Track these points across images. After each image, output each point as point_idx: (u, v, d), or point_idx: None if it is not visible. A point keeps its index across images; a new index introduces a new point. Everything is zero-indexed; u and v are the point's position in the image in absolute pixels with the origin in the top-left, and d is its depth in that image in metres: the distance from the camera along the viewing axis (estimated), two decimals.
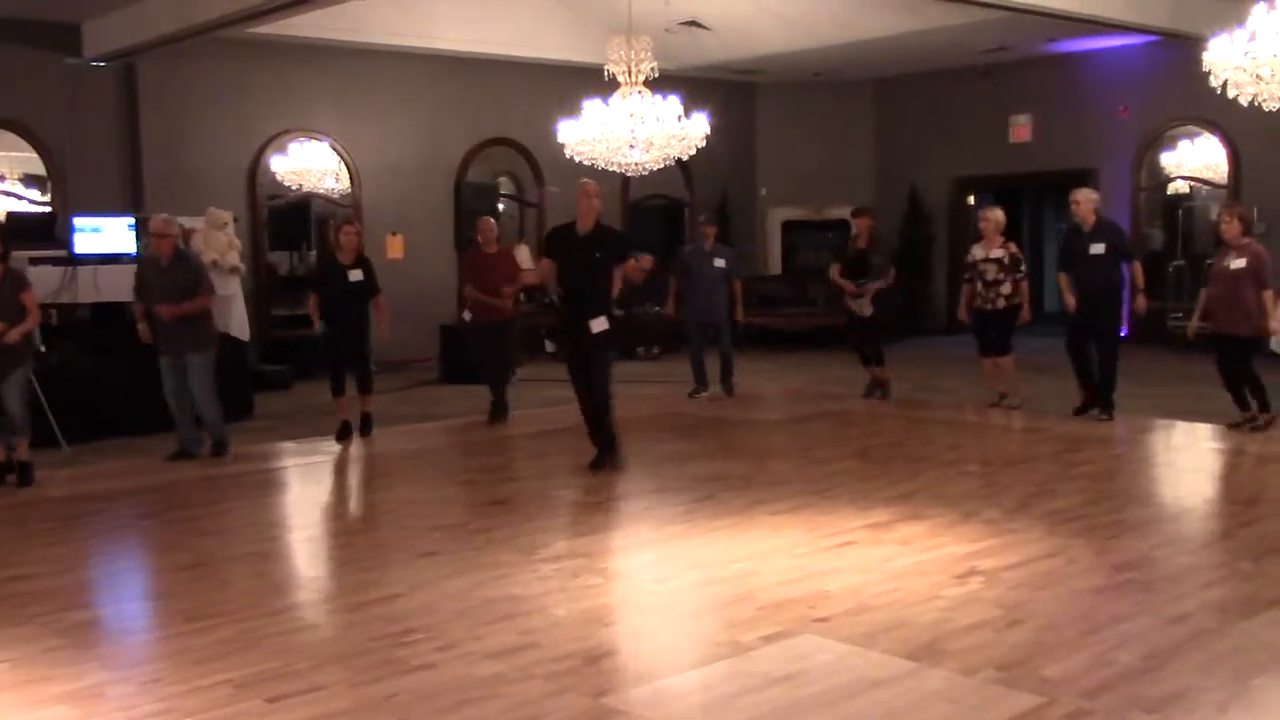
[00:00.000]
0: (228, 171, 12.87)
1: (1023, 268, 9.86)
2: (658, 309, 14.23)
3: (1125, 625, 4.68)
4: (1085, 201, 9.42)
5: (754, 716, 3.89)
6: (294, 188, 13.53)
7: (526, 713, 3.95)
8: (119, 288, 8.86)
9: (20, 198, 12.24)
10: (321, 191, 13.72)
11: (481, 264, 10.06)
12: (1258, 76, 8.34)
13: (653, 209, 16.41)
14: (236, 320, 11.18)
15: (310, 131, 13.45)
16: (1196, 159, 14.52)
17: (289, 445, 9.37)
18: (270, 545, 6.45)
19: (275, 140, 13.24)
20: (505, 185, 15.59)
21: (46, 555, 6.19)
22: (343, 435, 9.24)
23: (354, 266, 9.12)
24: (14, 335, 7.59)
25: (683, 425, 10.02)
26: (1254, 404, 8.83)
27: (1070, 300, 9.42)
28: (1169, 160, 14.81)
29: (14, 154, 12.10)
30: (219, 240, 11.02)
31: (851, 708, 3.94)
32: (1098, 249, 9.27)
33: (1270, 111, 8.75)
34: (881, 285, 10.46)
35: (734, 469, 7.99)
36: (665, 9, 12.97)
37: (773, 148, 17.32)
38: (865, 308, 10.53)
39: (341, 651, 4.60)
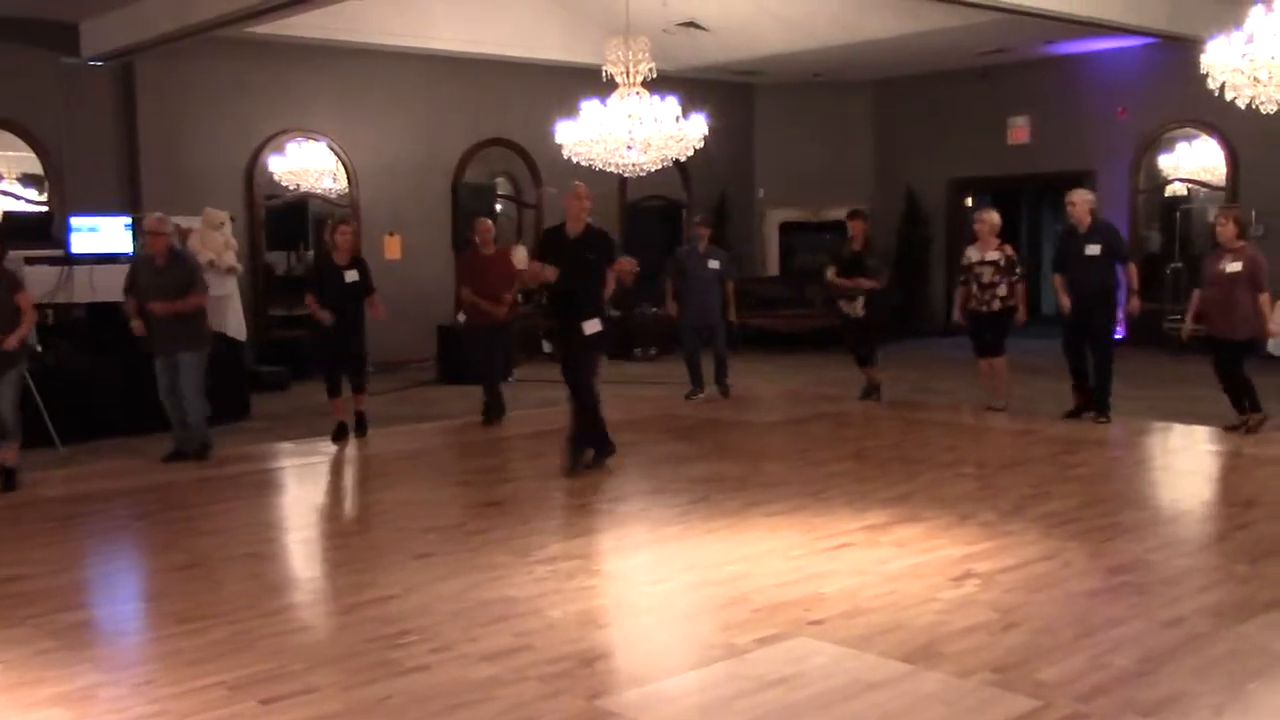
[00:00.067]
0: (225, 171, 12.86)
1: (1018, 270, 9.85)
2: (655, 310, 14.25)
3: (1121, 628, 4.67)
4: (1081, 203, 9.42)
5: (749, 719, 3.88)
6: (291, 188, 13.52)
7: (521, 715, 3.94)
8: (115, 288, 8.85)
9: (18, 197, 12.23)
10: (319, 192, 13.71)
11: (479, 265, 10.06)
12: (1255, 79, 8.34)
13: (650, 210, 16.40)
14: (233, 320, 11.18)
15: (308, 131, 13.44)
16: (1194, 161, 14.53)
17: (285, 446, 9.36)
18: (265, 546, 6.44)
19: (273, 140, 13.23)
20: (503, 186, 15.59)
21: (40, 556, 6.17)
22: (339, 436, 9.23)
23: (349, 267, 9.10)
24: (13, 342, 7.58)
25: (679, 427, 10.01)
26: (1245, 404, 8.83)
27: (1065, 301, 9.42)
28: (1167, 162, 14.82)
29: (11, 153, 12.09)
30: (216, 240, 11.02)
31: (847, 710, 3.94)
32: (1093, 250, 9.27)
33: (1268, 114, 8.74)
34: (874, 286, 10.45)
35: (730, 470, 7.99)
36: (663, 10, 12.96)
37: (771, 149, 17.32)
38: (858, 309, 10.53)
39: (336, 653, 4.59)
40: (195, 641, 4.69)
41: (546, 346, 13.88)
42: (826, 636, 4.62)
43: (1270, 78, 8.29)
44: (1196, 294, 9.09)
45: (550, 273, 7.58)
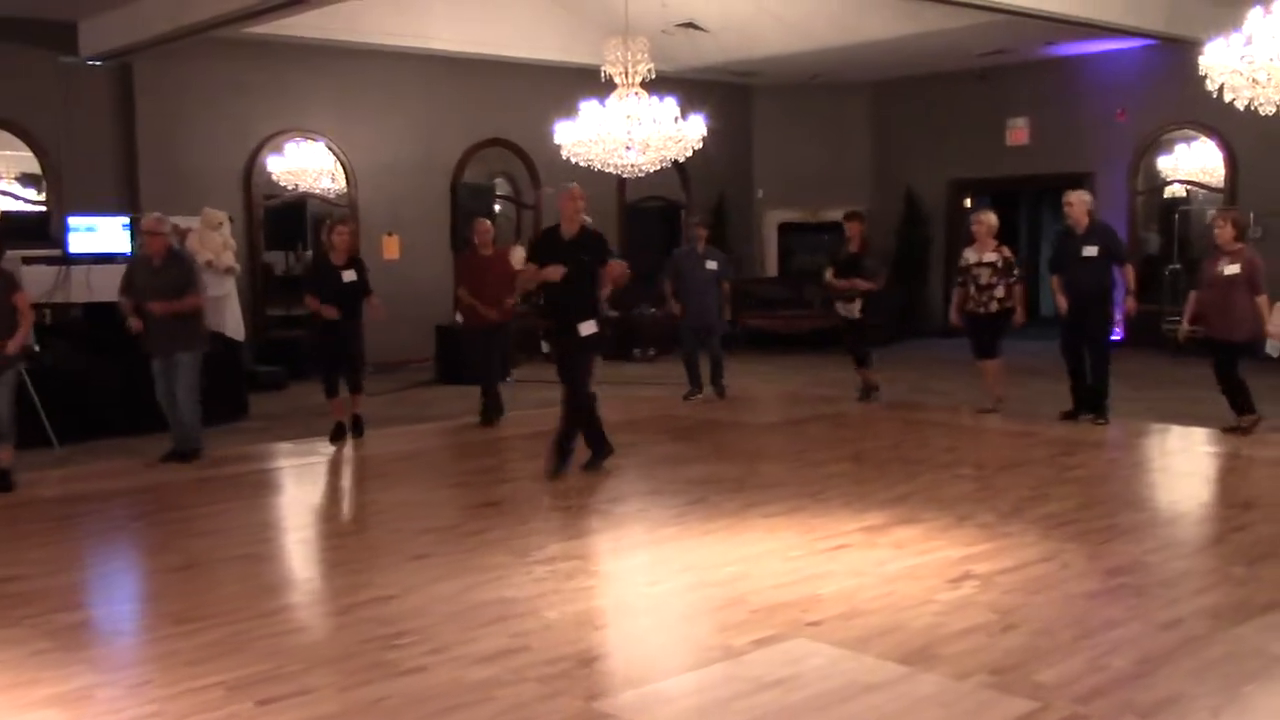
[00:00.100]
0: (223, 171, 12.85)
1: (1015, 271, 9.86)
2: (654, 310, 14.25)
3: (1118, 630, 4.66)
4: (1078, 204, 9.42)
5: None
6: (290, 188, 13.51)
7: (518, 716, 3.94)
8: (112, 288, 8.84)
9: (16, 197, 12.22)
10: (317, 192, 13.70)
11: (478, 266, 10.04)
12: (1254, 80, 8.34)
13: (649, 211, 16.40)
14: (231, 321, 11.18)
15: (306, 131, 13.43)
16: (1193, 163, 14.54)
17: (283, 446, 9.35)
18: (262, 547, 6.43)
19: (271, 140, 13.22)
20: (501, 186, 15.58)
21: (37, 556, 6.17)
22: (337, 436, 9.22)
23: (346, 267, 9.09)
24: (14, 347, 7.59)
25: (677, 427, 10.01)
26: (1236, 407, 8.84)
27: (1062, 302, 9.43)
28: (1166, 164, 14.83)
29: (9, 153, 12.09)
30: (214, 240, 11.02)
31: (843, 712, 3.93)
32: (1090, 251, 9.27)
33: (1267, 115, 8.75)
34: (871, 288, 10.46)
35: (728, 471, 7.98)
36: (662, 10, 12.96)
37: (770, 150, 17.32)
38: (854, 311, 10.54)
39: (332, 654, 4.58)
40: (192, 642, 4.69)
41: (545, 347, 13.88)
42: (824, 638, 4.61)
43: (1269, 79, 8.29)
44: (1193, 296, 9.09)
45: (556, 271, 7.55)
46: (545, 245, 7.88)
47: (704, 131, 11.36)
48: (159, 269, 8.37)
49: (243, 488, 7.90)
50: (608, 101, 11.07)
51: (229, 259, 11.13)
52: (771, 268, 17.53)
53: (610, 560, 6.08)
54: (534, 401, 10.93)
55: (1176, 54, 12.40)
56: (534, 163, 14.61)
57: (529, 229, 14.79)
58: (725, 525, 6.47)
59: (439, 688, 4.17)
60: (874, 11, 13.05)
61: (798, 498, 7.08)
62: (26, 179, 12.27)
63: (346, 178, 13.73)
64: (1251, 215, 13.13)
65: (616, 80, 11.03)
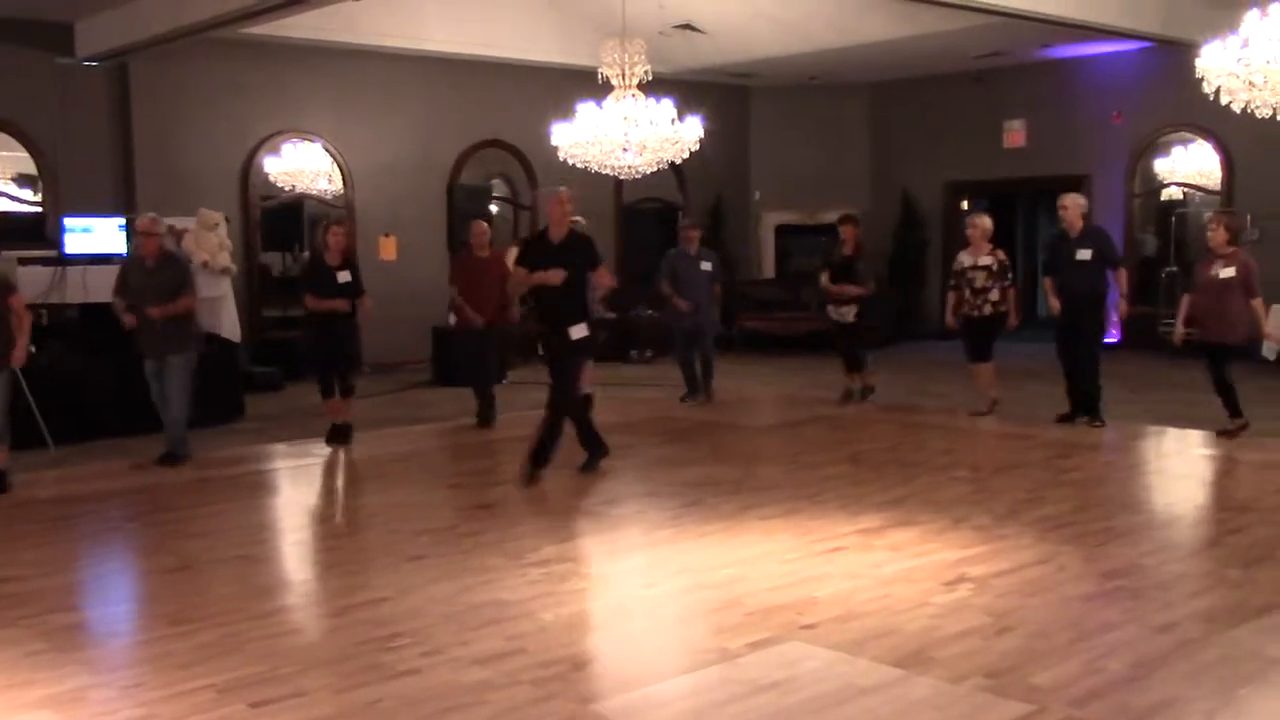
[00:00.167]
0: (220, 172, 12.84)
1: (1010, 275, 9.87)
2: (650, 312, 14.25)
3: (1114, 633, 4.66)
4: (1073, 207, 9.43)
5: None
6: (287, 189, 13.49)
7: (512, 719, 3.92)
8: (108, 288, 8.82)
9: (12, 198, 12.20)
10: (314, 193, 13.69)
11: (475, 268, 10.02)
12: (1250, 83, 8.34)
13: (646, 212, 16.39)
14: (227, 322, 11.15)
15: (303, 132, 13.42)
16: (1190, 165, 14.55)
17: (279, 447, 9.34)
18: (257, 548, 6.41)
19: (268, 141, 13.21)
20: (499, 188, 15.57)
21: (32, 558, 6.16)
22: (333, 438, 9.20)
23: (342, 268, 9.07)
24: (20, 357, 7.59)
25: (674, 429, 10.00)
26: (1229, 411, 8.86)
27: (1055, 304, 9.43)
28: (1162, 166, 14.84)
29: (5, 154, 12.08)
30: (210, 241, 11.00)
31: (838, 715, 3.92)
32: (1084, 255, 9.28)
33: (1263, 118, 8.74)
34: (862, 293, 10.48)
35: (725, 474, 7.98)
36: (659, 12, 12.96)
37: (767, 151, 17.32)
38: (848, 315, 10.55)
39: (326, 656, 4.57)
40: (185, 644, 4.68)
41: (542, 349, 13.87)
42: (819, 641, 4.61)
43: (1265, 82, 8.29)
44: (1186, 299, 9.10)
45: (556, 275, 7.51)
46: (534, 249, 7.85)
47: (701, 133, 11.36)
48: (153, 270, 8.36)
49: (238, 489, 7.88)
50: (605, 103, 11.07)
51: (225, 260, 11.11)
52: (768, 269, 17.52)
53: (606, 562, 6.07)
54: (531, 403, 10.89)
55: (1173, 56, 12.40)
56: (531, 164, 14.60)
57: (526, 230, 14.78)
58: (722, 527, 6.47)
59: (433, 690, 4.16)
60: (871, 13, 13.05)
61: (794, 500, 7.08)
62: (22, 179, 12.25)
63: (343, 179, 13.72)
64: (1248, 217, 13.16)
65: (613, 82, 11.03)
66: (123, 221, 10.95)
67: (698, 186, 16.29)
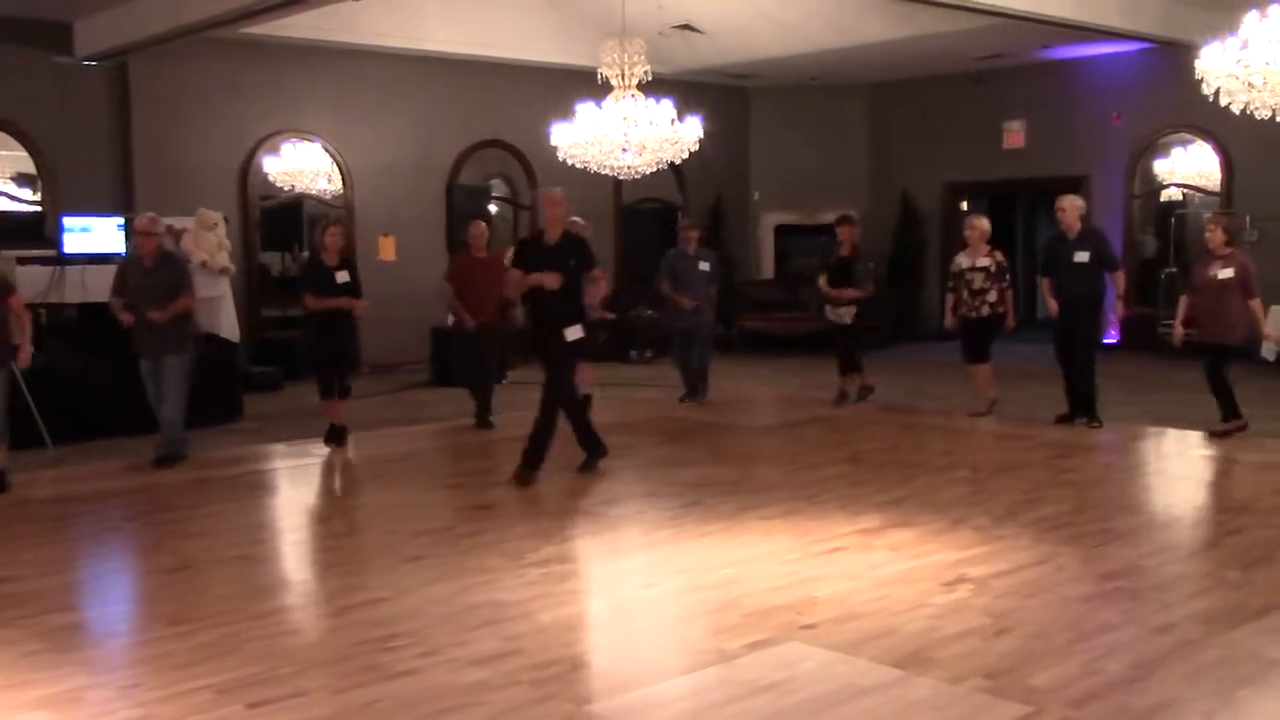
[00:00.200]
0: (219, 172, 12.83)
1: (1008, 276, 9.88)
2: (650, 313, 14.24)
3: (1113, 634, 4.66)
4: (1070, 209, 9.43)
5: None
6: (286, 188, 13.49)
7: None
8: (107, 288, 8.82)
9: (12, 197, 12.20)
10: (314, 193, 13.68)
11: (473, 269, 9.99)
12: (1250, 84, 8.34)
13: (646, 212, 16.38)
14: (226, 321, 11.14)
15: (302, 132, 13.42)
16: (1189, 166, 14.55)
17: (278, 447, 9.33)
18: (255, 548, 6.40)
19: (267, 141, 13.20)
20: (498, 188, 15.56)
21: (30, 558, 6.15)
22: (331, 438, 9.19)
23: (339, 268, 9.04)
24: (25, 359, 7.59)
25: (673, 429, 9.99)
26: (1222, 411, 8.86)
27: (1053, 305, 9.43)
28: (1162, 167, 14.85)
29: (4, 153, 12.07)
30: (209, 241, 10.99)
31: (837, 716, 3.92)
32: (1082, 257, 9.28)
33: (1262, 119, 8.74)
34: (859, 296, 10.49)
35: (724, 474, 7.97)
36: (659, 12, 12.95)
37: (766, 152, 17.32)
38: (845, 316, 10.56)
39: (324, 657, 4.57)
40: (183, 644, 4.67)
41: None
42: (818, 641, 4.60)
43: (1265, 83, 8.29)
44: (1184, 300, 9.10)
45: (554, 279, 7.50)
46: (529, 251, 7.84)
47: (700, 133, 11.35)
48: (151, 270, 8.34)
49: (237, 489, 7.88)
50: (604, 103, 11.06)
51: (224, 259, 11.10)
52: (768, 270, 17.52)
53: (604, 563, 6.07)
54: (530, 403, 10.88)
55: (1172, 58, 12.39)
56: (530, 164, 14.59)
57: (526, 231, 14.77)
58: (721, 528, 6.46)
59: (431, 691, 4.16)
60: (871, 14, 13.05)
61: (793, 500, 7.08)
62: (22, 179, 12.25)
63: (343, 179, 13.72)
64: (1248, 219, 13.16)
65: (613, 82, 11.02)
66: (121, 221, 10.94)
67: (697, 187, 16.29)
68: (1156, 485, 8.13)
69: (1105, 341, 13.85)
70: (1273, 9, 8.15)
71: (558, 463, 7.89)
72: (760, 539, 6.20)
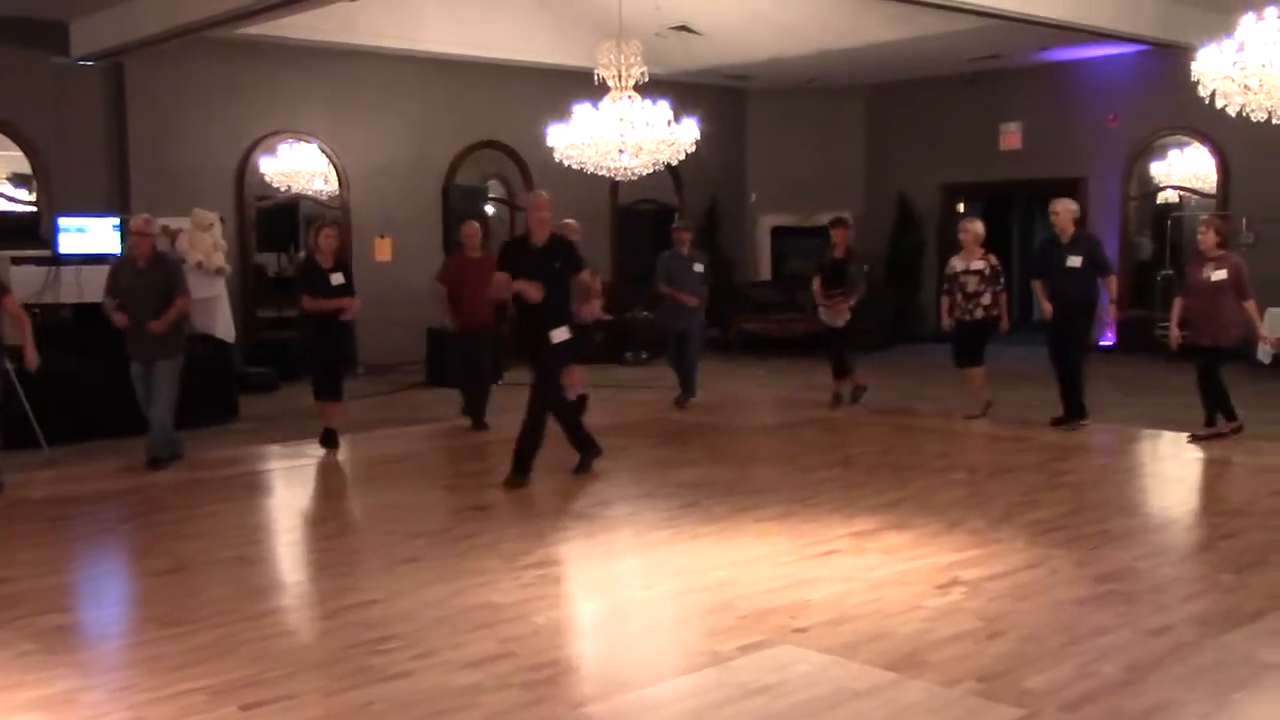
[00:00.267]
0: (215, 172, 12.82)
1: (1002, 280, 9.89)
2: (646, 314, 14.24)
3: (1107, 637, 4.66)
4: (1064, 212, 9.43)
5: None
6: (282, 189, 13.47)
7: None
8: (101, 288, 8.81)
9: (7, 197, 12.18)
10: (310, 193, 13.67)
11: (467, 269, 9.97)
12: (1246, 87, 8.36)
13: (642, 214, 16.38)
14: (222, 322, 11.12)
15: (298, 133, 13.40)
16: (1185, 168, 14.57)
17: (273, 448, 9.32)
18: (250, 550, 6.39)
19: (263, 141, 13.19)
20: (494, 189, 15.56)
21: (25, 559, 6.14)
22: (326, 440, 9.17)
23: (334, 269, 9.02)
24: (32, 359, 7.58)
25: (669, 431, 9.99)
26: (1219, 413, 8.86)
27: (1047, 307, 9.42)
28: (1158, 169, 14.86)
29: (0, 153, 12.04)
30: (204, 241, 10.97)
31: (830, 719, 3.91)
32: (1074, 262, 9.28)
33: (1258, 122, 8.76)
34: (851, 304, 10.50)
35: (720, 475, 7.97)
36: (656, 14, 12.94)
37: (763, 153, 17.32)
38: (838, 318, 10.57)
39: (317, 659, 4.56)
40: (177, 646, 4.66)
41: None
42: (811, 644, 4.60)
43: (1261, 86, 8.31)
44: (1179, 302, 9.11)
45: (535, 291, 7.47)
46: (514, 253, 7.79)
47: (697, 135, 11.35)
48: (144, 271, 8.32)
49: (232, 490, 7.87)
50: (601, 104, 11.05)
51: (219, 260, 11.08)
52: (765, 272, 17.52)
53: (599, 565, 6.06)
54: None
55: (1169, 60, 12.42)
56: (527, 165, 14.58)
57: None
58: (716, 530, 6.46)
59: (424, 693, 4.15)
60: (868, 16, 13.04)
61: (789, 502, 7.07)
62: (17, 179, 12.22)
63: (339, 179, 13.71)
64: (1244, 221, 13.18)
65: (610, 83, 11.01)
66: (117, 221, 10.92)
67: (694, 188, 16.29)
68: (1152, 488, 8.13)
69: (1102, 344, 13.89)
70: (1269, 11, 8.16)
71: (554, 465, 7.89)
72: (755, 541, 6.20)
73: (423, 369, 13.15)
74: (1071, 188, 14.06)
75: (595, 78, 11.07)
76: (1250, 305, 8.70)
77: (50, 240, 10.99)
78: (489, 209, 15.33)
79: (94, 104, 12.26)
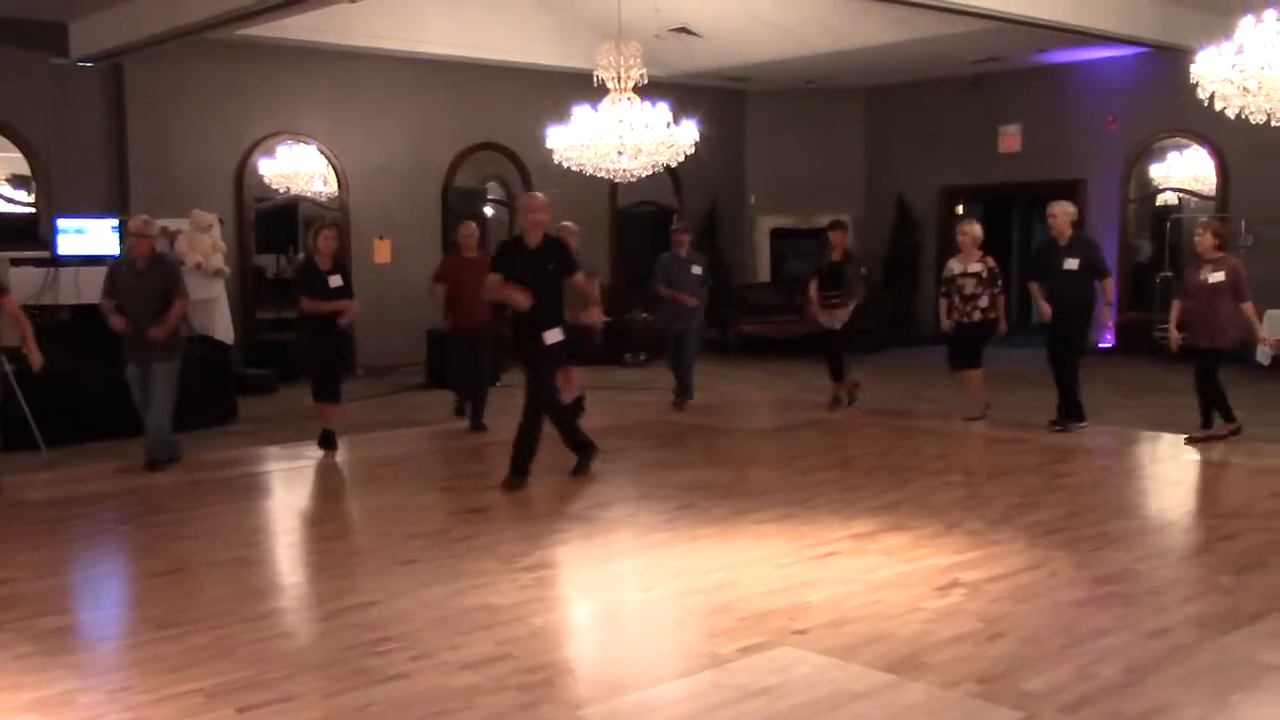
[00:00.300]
0: (215, 173, 12.81)
1: (999, 282, 9.89)
2: (645, 316, 14.24)
3: (1106, 639, 4.65)
4: (1061, 215, 9.43)
5: None
6: (281, 191, 13.47)
7: None
8: (99, 290, 8.80)
9: (6, 199, 12.17)
10: (309, 195, 13.67)
11: (464, 269, 9.96)
12: (1245, 89, 8.36)
13: (642, 215, 16.37)
14: (220, 323, 11.12)
15: (298, 134, 13.40)
16: (1185, 171, 14.57)
17: (272, 450, 9.31)
18: (248, 551, 6.38)
19: (263, 143, 13.18)
20: (493, 190, 15.55)
21: (23, 560, 6.13)
22: (325, 441, 9.16)
23: (333, 272, 9.00)
24: (37, 360, 7.57)
25: (668, 433, 9.99)
26: (1217, 415, 8.86)
27: (1046, 308, 9.42)
28: (1157, 172, 14.86)
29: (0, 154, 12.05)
30: (203, 243, 10.97)
31: None
32: (1071, 264, 9.28)
33: (1257, 124, 8.76)
34: (849, 305, 10.52)
35: (718, 477, 7.97)
36: (656, 15, 12.95)
37: (762, 155, 17.32)
38: (835, 320, 10.58)
39: (315, 660, 4.56)
40: (174, 648, 4.66)
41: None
42: (811, 646, 4.59)
43: (1260, 88, 8.32)
44: (1177, 304, 9.11)
45: (522, 299, 7.43)
46: (508, 254, 7.76)
47: (696, 137, 11.34)
48: (143, 272, 8.31)
49: (231, 491, 7.86)
50: (600, 106, 11.04)
51: (218, 261, 11.09)
52: (764, 273, 17.51)
53: (598, 567, 6.05)
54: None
55: (1168, 62, 12.43)
56: (526, 167, 14.57)
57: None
58: (714, 532, 6.45)
59: (421, 695, 4.15)
60: (867, 18, 13.05)
61: (788, 504, 7.07)
62: (16, 180, 12.22)
63: (338, 181, 13.70)
64: (1243, 223, 13.19)
65: (609, 85, 11.00)
66: (116, 223, 10.92)
67: (693, 190, 16.29)
68: (1151, 490, 8.13)
69: (1101, 346, 13.90)
70: (1268, 14, 8.17)
71: (552, 466, 7.88)
72: (754, 543, 6.20)
73: (422, 370, 13.14)
74: (1071, 190, 14.07)
75: (595, 79, 11.06)
76: (1248, 307, 8.70)
77: (49, 241, 10.98)
78: (488, 210, 15.32)
79: (93, 105, 12.25)
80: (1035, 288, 9.61)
